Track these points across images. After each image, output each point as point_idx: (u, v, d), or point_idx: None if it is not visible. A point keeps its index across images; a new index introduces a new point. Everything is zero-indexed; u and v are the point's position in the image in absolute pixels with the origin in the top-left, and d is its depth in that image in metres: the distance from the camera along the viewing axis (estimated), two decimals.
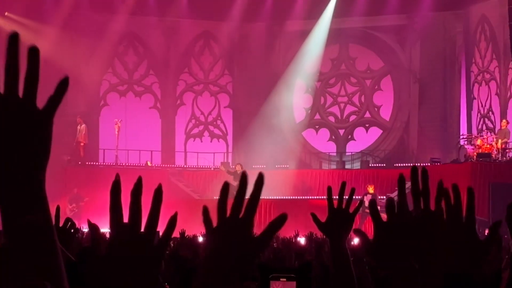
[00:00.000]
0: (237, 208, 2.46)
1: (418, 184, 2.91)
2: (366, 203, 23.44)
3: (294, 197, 26.21)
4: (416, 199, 2.95)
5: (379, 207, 3.08)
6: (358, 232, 3.33)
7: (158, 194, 2.25)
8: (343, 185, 4.16)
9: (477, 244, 3.07)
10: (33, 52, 2.00)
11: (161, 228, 2.38)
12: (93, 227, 2.40)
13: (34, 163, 1.99)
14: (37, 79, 1.99)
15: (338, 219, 4.21)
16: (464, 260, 3.05)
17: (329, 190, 4.13)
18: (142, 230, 2.24)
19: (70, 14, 29.38)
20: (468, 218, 3.01)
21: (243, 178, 2.50)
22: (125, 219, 2.30)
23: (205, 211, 2.52)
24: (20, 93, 1.98)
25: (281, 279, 4.61)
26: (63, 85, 2.00)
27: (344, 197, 4.36)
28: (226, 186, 2.50)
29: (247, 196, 2.49)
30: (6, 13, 29.07)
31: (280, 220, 2.45)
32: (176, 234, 13.90)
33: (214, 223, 2.52)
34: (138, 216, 2.28)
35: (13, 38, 1.94)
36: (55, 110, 1.98)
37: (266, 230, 2.46)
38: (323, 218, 4.21)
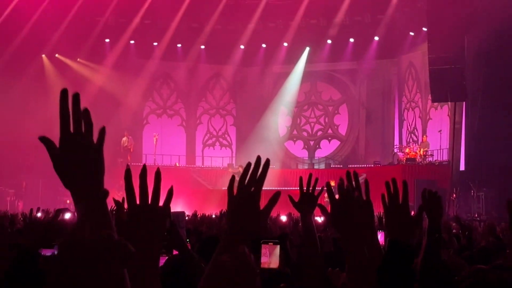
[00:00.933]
0: (250, 184, 2.42)
1: (350, 181, 2.99)
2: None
3: (278, 188, 24.62)
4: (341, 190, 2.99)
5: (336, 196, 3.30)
6: (320, 206, 3.57)
7: (157, 176, 2.21)
8: (310, 176, 4.03)
9: (410, 219, 3.19)
10: (76, 98, 1.97)
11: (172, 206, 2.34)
12: (117, 203, 2.29)
13: (98, 176, 1.98)
14: (91, 122, 1.97)
15: (306, 199, 4.04)
16: (402, 230, 3.13)
17: (301, 179, 4.02)
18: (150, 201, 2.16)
19: (121, 58, 28.99)
20: (403, 201, 3.17)
21: (247, 166, 2.44)
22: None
23: (230, 188, 2.48)
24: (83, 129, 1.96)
25: (269, 243, 4.43)
26: (103, 132, 2.02)
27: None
28: (232, 179, 2.53)
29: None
30: (78, 59, 28.74)
31: (276, 196, 2.45)
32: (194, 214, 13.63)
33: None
34: (146, 192, 2.19)
35: (63, 93, 1.89)
36: (102, 144, 2.00)
37: (267, 204, 2.42)
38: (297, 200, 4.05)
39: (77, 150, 1.95)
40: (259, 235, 2.76)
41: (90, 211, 1.98)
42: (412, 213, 3.44)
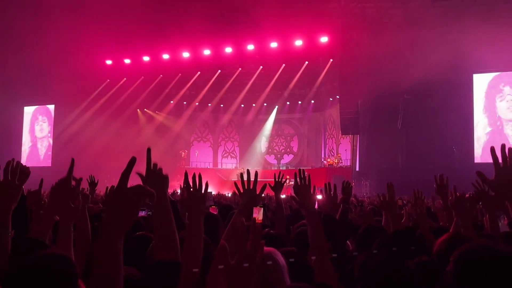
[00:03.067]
0: (248, 184, 2.54)
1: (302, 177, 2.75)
2: (287, 182, 23.35)
3: (263, 180, 25.01)
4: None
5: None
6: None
7: (199, 177, 2.14)
8: (279, 174, 3.87)
9: (336, 203, 3.13)
10: (148, 151, 1.79)
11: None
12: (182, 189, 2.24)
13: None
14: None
15: (277, 185, 3.86)
16: (331, 209, 3.08)
17: (274, 175, 3.88)
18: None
19: (179, 110, 29.11)
20: (334, 193, 3.01)
21: (247, 172, 2.65)
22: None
23: (237, 185, 2.60)
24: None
25: (257, 207, 4.43)
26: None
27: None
28: (241, 175, 2.66)
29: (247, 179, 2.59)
30: (156, 112, 28.50)
31: (264, 186, 2.60)
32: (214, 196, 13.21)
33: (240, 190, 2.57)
34: (195, 183, 2.12)
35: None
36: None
37: (260, 191, 2.51)
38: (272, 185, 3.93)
39: (156, 177, 1.95)
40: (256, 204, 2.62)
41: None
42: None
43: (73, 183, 2.19)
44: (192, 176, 2.17)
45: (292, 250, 2.40)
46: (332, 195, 3.02)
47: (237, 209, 2.55)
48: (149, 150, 1.91)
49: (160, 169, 1.99)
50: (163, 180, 2.00)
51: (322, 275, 2.21)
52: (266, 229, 3.49)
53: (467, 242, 1.61)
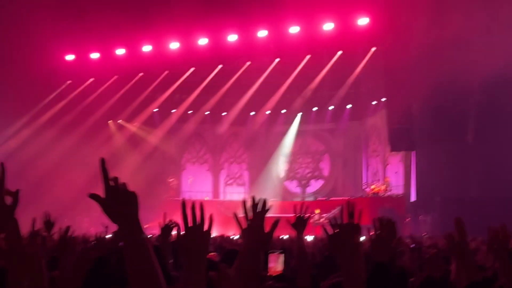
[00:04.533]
0: (255, 219, 2.57)
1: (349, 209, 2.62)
2: (315, 218, 23.34)
3: (279, 215, 24.68)
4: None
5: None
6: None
7: (201, 208, 2.18)
8: (302, 205, 4.03)
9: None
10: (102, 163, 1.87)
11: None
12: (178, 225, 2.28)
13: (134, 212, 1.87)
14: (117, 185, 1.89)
15: (299, 222, 4.01)
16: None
17: (295, 207, 4.05)
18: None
19: (166, 122, 29.44)
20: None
21: (252, 200, 2.64)
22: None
23: (236, 217, 2.66)
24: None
25: (275, 253, 4.58)
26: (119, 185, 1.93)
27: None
28: (243, 203, 2.63)
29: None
30: (134, 124, 28.90)
31: (276, 222, 2.56)
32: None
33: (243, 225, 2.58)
34: (195, 218, 2.15)
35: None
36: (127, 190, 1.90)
37: (271, 227, 2.53)
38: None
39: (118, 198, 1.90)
40: (266, 249, 2.56)
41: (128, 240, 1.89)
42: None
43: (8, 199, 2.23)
44: (191, 206, 2.16)
45: None
46: (382, 234, 2.98)
47: (239, 254, 2.50)
48: (103, 161, 1.87)
49: (124, 185, 1.92)
50: (131, 200, 1.92)
51: None
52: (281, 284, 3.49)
53: None
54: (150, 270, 1.84)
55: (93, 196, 1.88)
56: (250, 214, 2.58)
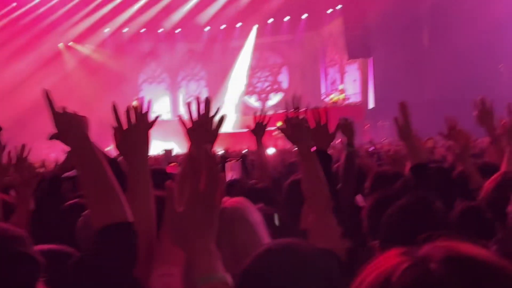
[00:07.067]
0: (200, 118, 2.63)
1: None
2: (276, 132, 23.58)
3: (240, 130, 23.69)
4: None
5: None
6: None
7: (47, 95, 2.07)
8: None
9: (329, 134, 3.24)
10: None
11: None
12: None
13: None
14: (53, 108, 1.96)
15: (259, 128, 4.19)
16: (324, 142, 3.19)
17: (254, 115, 4.19)
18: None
19: (118, 42, 28.79)
20: (324, 122, 3.17)
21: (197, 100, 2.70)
22: None
23: (183, 123, 2.65)
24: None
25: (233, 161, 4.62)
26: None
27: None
28: (187, 105, 2.75)
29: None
30: (86, 45, 28.14)
31: (222, 118, 2.63)
32: None
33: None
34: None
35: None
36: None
37: (217, 125, 2.59)
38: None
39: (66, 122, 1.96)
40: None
41: None
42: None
43: None
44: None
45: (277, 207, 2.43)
46: (321, 124, 3.10)
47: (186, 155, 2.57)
48: (46, 93, 1.95)
49: (71, 112, 1.99)
50: (78, 122, 1.96)
51: (321, 237, 2.24)
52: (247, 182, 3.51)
53: None
54: (99, 169, 1.84)
55: (52, 136, 1.99)
56: (195, 115, 2.57)
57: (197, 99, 2.70)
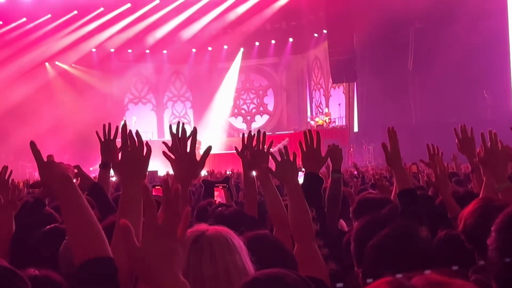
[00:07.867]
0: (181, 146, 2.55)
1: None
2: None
3: (226, 152, 23.82)
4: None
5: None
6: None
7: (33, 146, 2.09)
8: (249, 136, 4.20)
9: (321, 158, 3.14)
10: None
11: None
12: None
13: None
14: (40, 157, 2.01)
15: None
16: (315, 165, 3.16)
17: (243, 136, 4.28)
18: None
19: (105, 62, 28.70)
20: (317, 145, 3.09)
21: (181, 128, 2.64)
22: None
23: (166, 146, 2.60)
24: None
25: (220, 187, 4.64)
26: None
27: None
28: (170, 128, 2.70)
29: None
30: (73, 65, 27.89)
31: (208, 149, 2.55)
32: None
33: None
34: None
35: None
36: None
37: (202, 156, 2.50)
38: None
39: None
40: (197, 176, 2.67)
41: None
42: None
43: None
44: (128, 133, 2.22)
45: (264, 233, 2.40)
46: (313, 146, 3.10)
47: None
48: (32, 144, 2.02)
49: (56, 164, 2.05)
50: (66, 170, 2.02)
51: (306, 266, 2.25)
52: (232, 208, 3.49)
53: (506, 208, 1.70)
54: (82, 211, 1.91)
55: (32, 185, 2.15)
56: (176, 142, 2.54)
57: (182, 124, 2.66)
